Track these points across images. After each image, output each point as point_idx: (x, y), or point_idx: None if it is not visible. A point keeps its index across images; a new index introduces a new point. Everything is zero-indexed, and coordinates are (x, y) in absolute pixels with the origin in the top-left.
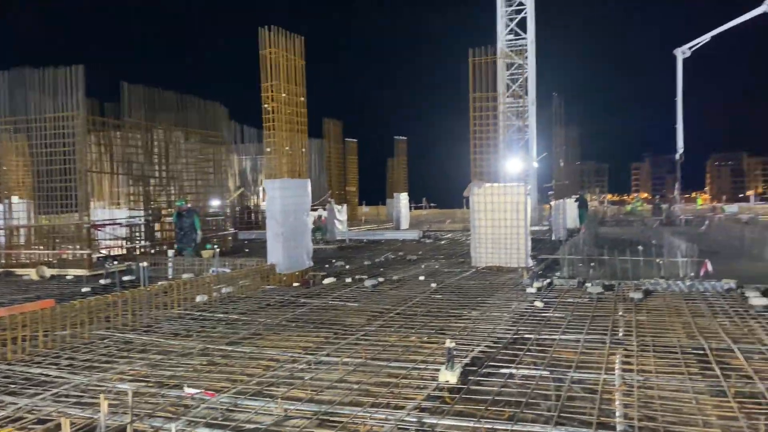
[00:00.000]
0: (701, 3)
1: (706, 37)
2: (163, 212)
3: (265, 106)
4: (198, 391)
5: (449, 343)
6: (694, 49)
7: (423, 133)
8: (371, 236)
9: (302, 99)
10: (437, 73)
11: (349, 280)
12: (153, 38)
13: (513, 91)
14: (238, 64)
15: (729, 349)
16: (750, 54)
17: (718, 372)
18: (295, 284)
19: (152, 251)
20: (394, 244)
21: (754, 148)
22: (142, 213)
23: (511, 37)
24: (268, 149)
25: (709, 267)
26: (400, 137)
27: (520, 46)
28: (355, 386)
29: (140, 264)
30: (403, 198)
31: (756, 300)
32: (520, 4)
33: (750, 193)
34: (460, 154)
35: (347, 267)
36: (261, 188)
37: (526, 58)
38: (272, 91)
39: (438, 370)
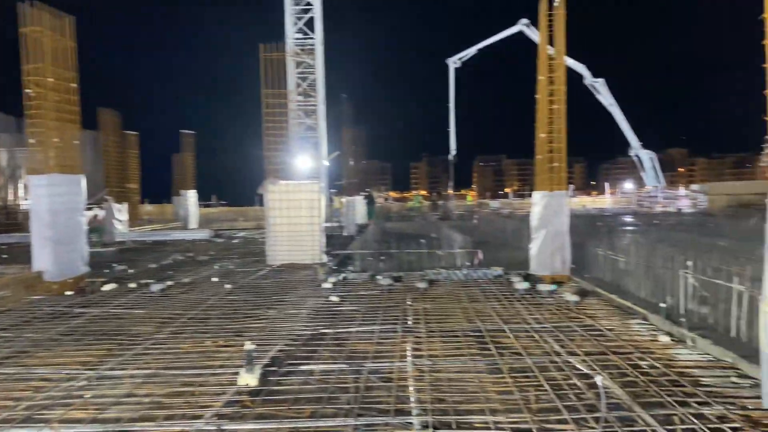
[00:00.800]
0: (480, 15)
1: (472, 50)
2: None
3: (28, 91)
4: None
5: (248, 345)
6: (464, 59)
7: (212, 128)
8: (156, 237)
9: (73, 85)
10: (228, 66)
11: (132, 285)
12: None
13: (303, 90)
14: None
15: (501, 329)
16: (508, 66)
17: (494, 351)
18: (69, 293)
19: None
20: (182, 245)
21: (511, 151)
22: None
23: (300, 35)
24: (32, 141)
25: (480, 256)
26: (187, 131)
27: (309, 45)
28: (146, 399)
29: None
30: (192, 195)
31: (519, 284)
32: (308, 3)
33: (508, 190)
34: (252, 150)
35: (130, 271)
36: (22, 184)
37: (315, 57)
38: (36, 75)
39: (237, 373)
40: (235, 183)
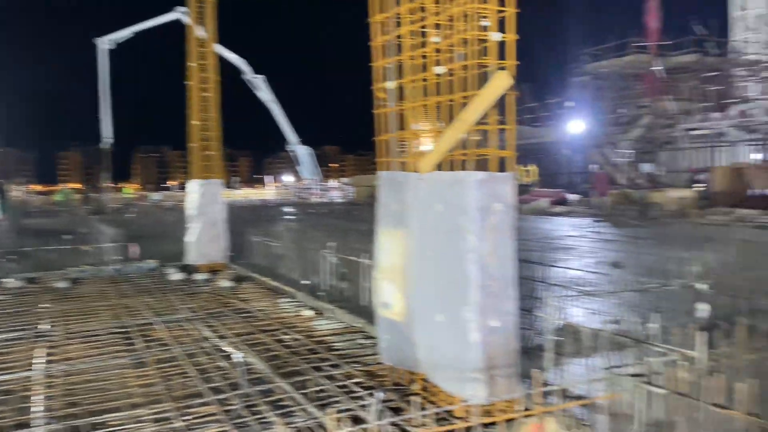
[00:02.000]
0: None
1: (128, 32)
2: None
3: None
4: None
5: None
6: (119, 41)
7: None
8: None
9: None
10: None
11: None
12: None
13: None
14: None
15: (151, 323)
16: (174, 54)
17: (141, 346)
18: None
19: None
20: None
21: (177, 142)
22: None
23: None
24: None
25: (137, 250)
26: None
27: None
28: None
29: None
30: None
31: (174, 275)
32: None
33: (173, 182)
34: None
35: None
36: None
37: None
38: None
39: None
40: None
